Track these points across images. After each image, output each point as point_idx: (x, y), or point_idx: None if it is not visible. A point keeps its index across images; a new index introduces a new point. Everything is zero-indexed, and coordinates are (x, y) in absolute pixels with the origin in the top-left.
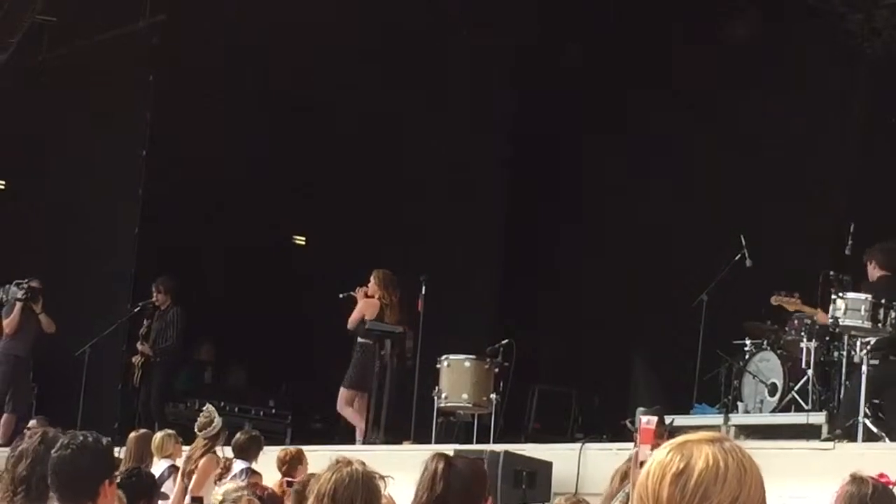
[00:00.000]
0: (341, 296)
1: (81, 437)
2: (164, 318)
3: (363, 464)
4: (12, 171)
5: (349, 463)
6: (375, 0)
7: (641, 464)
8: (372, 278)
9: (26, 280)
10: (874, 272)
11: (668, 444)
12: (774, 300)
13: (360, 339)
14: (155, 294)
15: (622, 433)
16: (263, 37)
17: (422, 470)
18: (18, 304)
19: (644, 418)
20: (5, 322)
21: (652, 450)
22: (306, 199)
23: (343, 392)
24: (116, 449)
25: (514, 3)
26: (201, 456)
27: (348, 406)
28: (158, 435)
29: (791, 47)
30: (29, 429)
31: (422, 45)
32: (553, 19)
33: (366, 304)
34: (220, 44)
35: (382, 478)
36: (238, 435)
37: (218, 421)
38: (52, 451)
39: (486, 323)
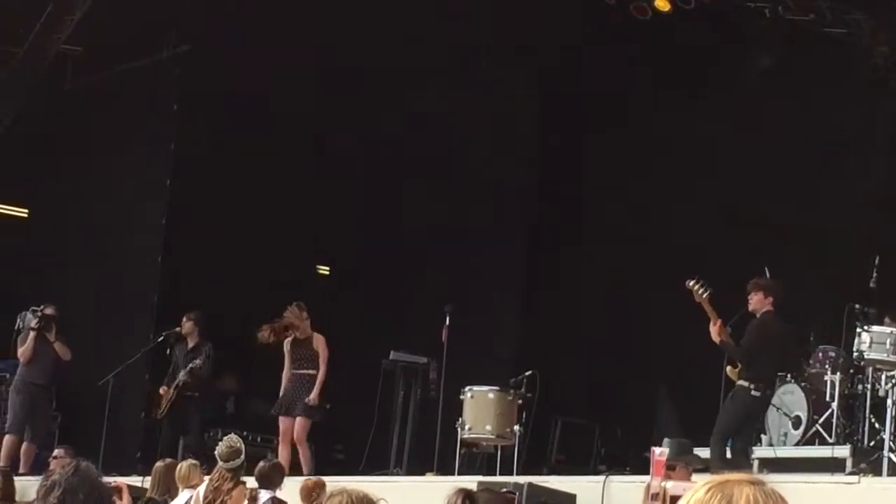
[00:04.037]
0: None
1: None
2: (197, 353)
3: (362, 491)
4: (36, 199)
5: (347, 490)
6: (397, 27)
7: (653, 496)
8: (299, 311)
9: (41, 307)
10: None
11: (707, 483)
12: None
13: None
14: (184, 322)
15: (646, 466)
16: (287, 66)
17: None
18: (32, 333)
19: (657, 450)
20: (20, 350)
21: (662, 482)
22: (330, 228)
23: (308, 422)
24: (140, 479)
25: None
26: (233, 487)
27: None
28: (183, 465)
29: (816, 78)
30: (54, 458)
31: (443, 81)
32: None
33: (323, 344)
34: (244, 73)
35: (378, 500)
36: (261, 463)
37: (244, 454)
38: (72, 475)
39: (509, 354)
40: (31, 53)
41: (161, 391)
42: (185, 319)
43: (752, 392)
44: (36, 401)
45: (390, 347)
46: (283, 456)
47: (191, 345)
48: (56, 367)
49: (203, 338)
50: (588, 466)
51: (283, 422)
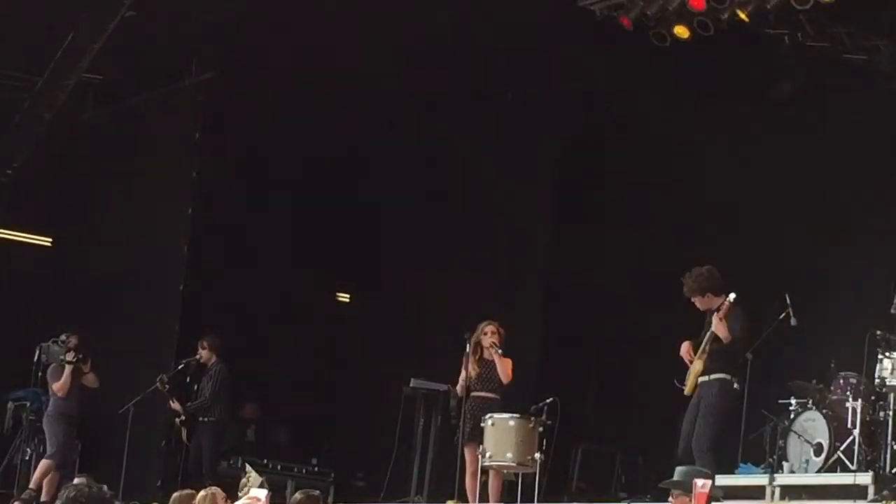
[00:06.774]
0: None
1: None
2: (207, 375)
3: None
4: (58, 228)
5: None
6: (420, 56)
7: None
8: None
9: (64, 338)
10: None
11: None
12: None
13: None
14: (200, 351)
15: (666, 494)
16: (309, 95)
17: None
18: (68, 367)
19: (699, 482)
20: (57, 385)
21: None
22: (351, 256)
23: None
24: None
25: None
26: None
27: None
28: (202, 493)
29: (837, 104)
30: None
31: (465, 110)
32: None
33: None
34: (266, 101)
35: None
36: (297, 494)
37: (251, 479)
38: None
39: (529, 381)
40: (52, 82)
41: (177, 419)
42: (199, 347)
43: (735, 385)
44: (69, 432)
45: (411, 375)
46: (471, 488)
47: (207, 368)
48: (81, 396)
49: (218, 359)
50: (609, 494)
51: (470, 450)
